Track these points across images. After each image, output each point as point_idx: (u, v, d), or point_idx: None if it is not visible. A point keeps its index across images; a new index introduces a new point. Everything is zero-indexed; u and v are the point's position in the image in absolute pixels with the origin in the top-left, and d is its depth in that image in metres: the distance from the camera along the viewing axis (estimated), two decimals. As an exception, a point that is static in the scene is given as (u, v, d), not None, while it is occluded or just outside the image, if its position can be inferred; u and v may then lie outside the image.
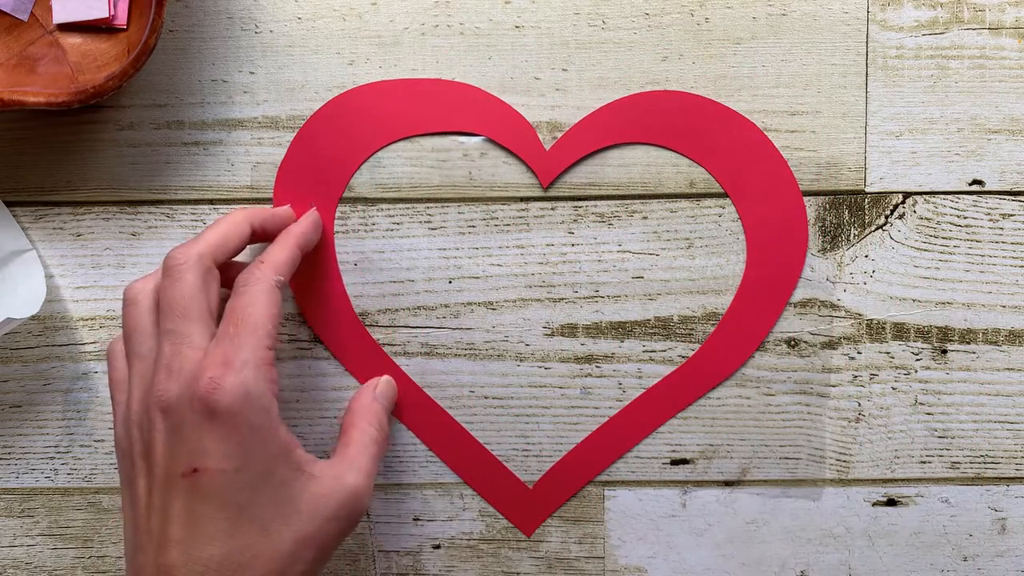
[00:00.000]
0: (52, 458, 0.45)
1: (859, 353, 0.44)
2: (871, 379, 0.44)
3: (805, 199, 0.43)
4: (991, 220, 0.44)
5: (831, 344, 0.44)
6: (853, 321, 0.44)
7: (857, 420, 0.45)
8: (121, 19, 0.41)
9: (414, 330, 0.44)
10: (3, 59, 0.40)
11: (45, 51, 0.41)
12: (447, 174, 0.43)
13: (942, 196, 0.44)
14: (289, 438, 0.36)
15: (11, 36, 0.41)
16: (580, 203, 0.44)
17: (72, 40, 0.41)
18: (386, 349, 0.44)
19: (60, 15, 0.41)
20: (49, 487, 0.45)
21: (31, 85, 0.40)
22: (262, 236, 0.40)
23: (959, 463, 0.45)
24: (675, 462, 0.45)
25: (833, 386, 0.44)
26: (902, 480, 0.45)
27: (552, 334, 0.44)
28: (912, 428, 0.45)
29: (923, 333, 0.44)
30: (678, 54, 0.43)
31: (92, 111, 0.43)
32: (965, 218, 0.44)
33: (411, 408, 0.45)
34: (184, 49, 0.43)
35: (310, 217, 0.42)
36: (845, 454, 0.45)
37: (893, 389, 0.44)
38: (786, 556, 0.45)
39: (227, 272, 0.39)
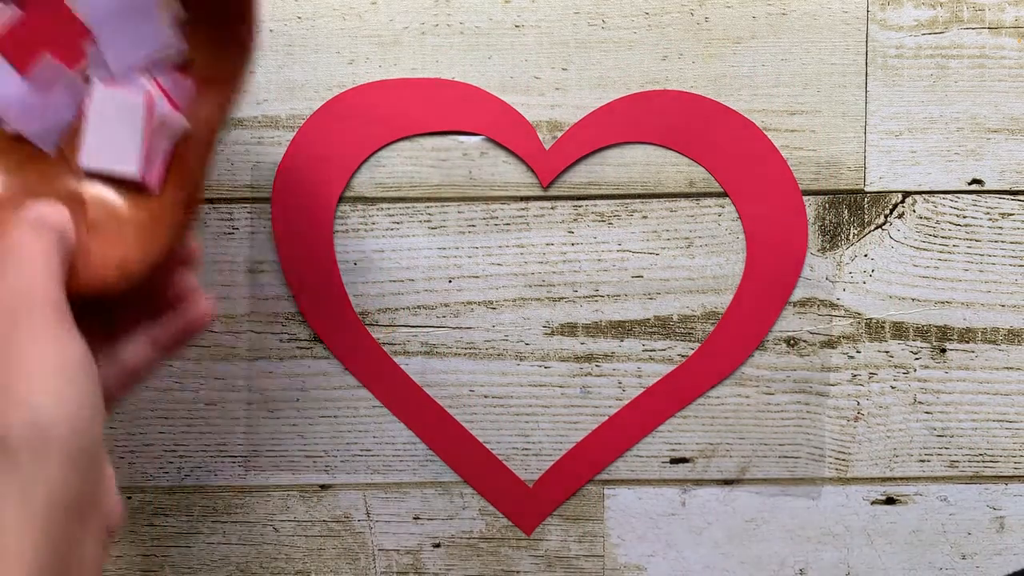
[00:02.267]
0: (53, 457, 0.45)
1: (858, 352, 0.44)
2: (870, 378, 0.44)
3: (805, 199, 0.43)
4: (990, 219, 0.44)
5: (830, 343, 0.44)
6: (852, 320, 0.44)
7: (856, 419, 0.45)
8: (153, 183, 0.31)
9: (414, 329, 0.44)
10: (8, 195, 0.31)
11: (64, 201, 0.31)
12: (447, 173, 0.43)
13: (941, 195, 0.44)
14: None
15: (27, 170, 0.31)
16: (580, 202, 0.44)
17: (97, 190, 0.31)
18: (386, 349, 0.44)
19: (89, 159, 0.31)
20: (50, 486, 0.45)
21: None
22: None
23: (958, 462, 0.45)
24: (675, 461, 0.45)
25: (832, 385, 0.44)
26: (901, 479, 0.45)
27: (552, 333, 0.44)
28: (911, 427, 0.45)
29: (922, 332, 0.44)
30: (678, 53, 0.43)
31: (92, 111, 0.43)
32: (964, 217, 0.44)
33: (411, 407, 0.45)
34: (184, 48, 0.43)
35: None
36: (844, 453, 0.45)
37: (892, 388, 0.44)
38: (785, 554, 0.45)
39: None
